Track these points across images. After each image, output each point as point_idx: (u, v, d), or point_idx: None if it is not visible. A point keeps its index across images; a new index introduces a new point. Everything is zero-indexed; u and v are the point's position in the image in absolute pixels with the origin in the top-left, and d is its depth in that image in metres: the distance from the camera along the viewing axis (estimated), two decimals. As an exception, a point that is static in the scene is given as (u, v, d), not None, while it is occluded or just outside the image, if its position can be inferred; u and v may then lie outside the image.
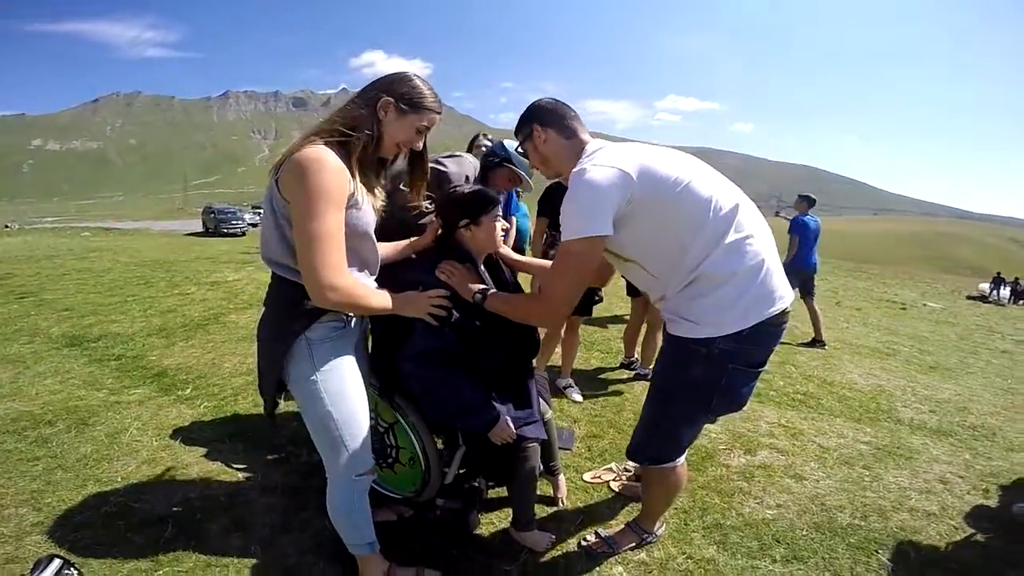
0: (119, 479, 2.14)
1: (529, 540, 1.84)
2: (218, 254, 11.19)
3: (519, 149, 1.70)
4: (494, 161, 2.18)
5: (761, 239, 1.46)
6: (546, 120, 1.56)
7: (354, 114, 1.30)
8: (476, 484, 1.90)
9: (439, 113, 1.37)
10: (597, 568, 1.79)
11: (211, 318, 4.92)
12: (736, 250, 1.41)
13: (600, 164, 1.40)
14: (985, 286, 17.64)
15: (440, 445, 1.85)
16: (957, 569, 1.86)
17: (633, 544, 1.89)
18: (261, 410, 2.75)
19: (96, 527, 1.84)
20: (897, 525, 2.11)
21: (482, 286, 1.58)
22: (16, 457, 2.29)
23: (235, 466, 2.29)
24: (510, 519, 1.90)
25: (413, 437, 1.74)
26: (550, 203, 3.07)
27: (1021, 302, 16.89)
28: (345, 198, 1.24)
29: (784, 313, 1.49)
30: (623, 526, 1.96)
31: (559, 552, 1.86)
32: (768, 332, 1.47)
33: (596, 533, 1.94)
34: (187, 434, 2.57)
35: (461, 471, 1.85)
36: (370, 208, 1.35)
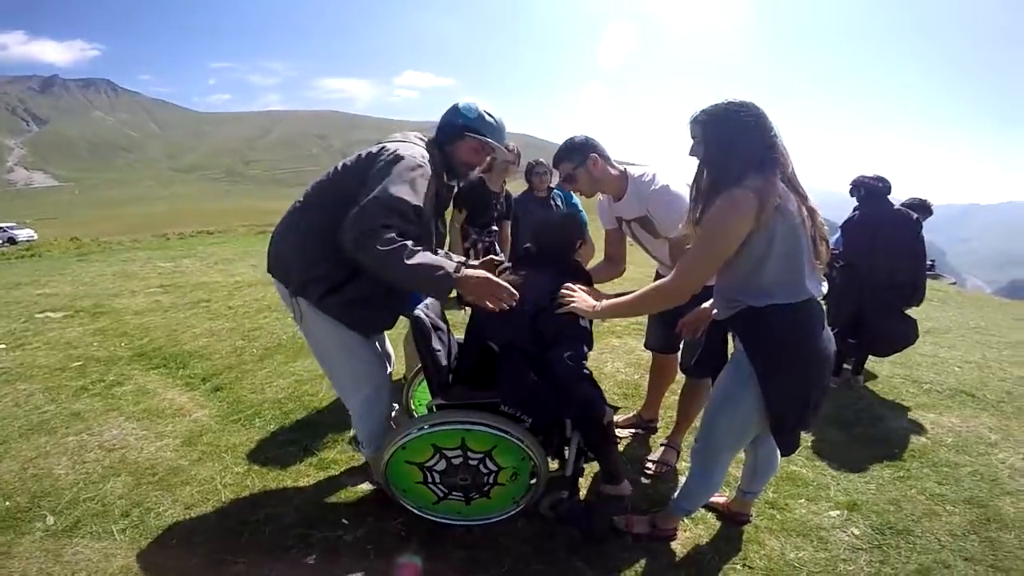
0: None
1: (622, 490, 2.04)
2: None
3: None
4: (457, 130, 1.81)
5: None
6: (601, 152, 1.96)
7: None
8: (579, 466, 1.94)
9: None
10: (669, 482, 2.21)
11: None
12: None
13: (672, 182, 1.96)
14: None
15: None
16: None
17: (675, 456, 2.34)
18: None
19: None
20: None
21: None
22: None
23: None
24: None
25: (526, 448, 1.68)
26: (469, 200, 3.27)
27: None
28: None
29: None
30: (663, 448, 2.36)
31: (641, 488, 2.17)
32: None
33: (651, 461, 2.30)
34: None
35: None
36: None
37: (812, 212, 1.40)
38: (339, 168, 1.72)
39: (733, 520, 1.93)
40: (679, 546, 1.83)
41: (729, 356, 1.76)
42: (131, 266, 8.13)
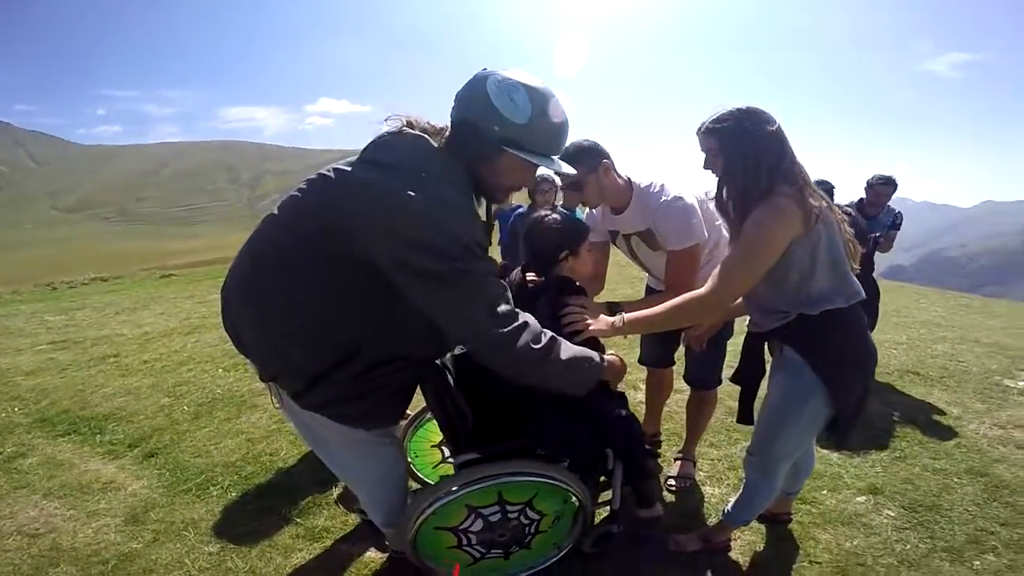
0: None
1: (656, 512, 1.90)
2: None
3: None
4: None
5: None
6: (610, 159, 1.76)
7: None
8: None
9: None
10: (695, 494, 2.13)
11: None
12: None
13: (685, 194, 1.79)
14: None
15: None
16: None
17: (693, 468, 2.26)
18: None
19: None
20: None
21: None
22: None
23: None
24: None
25: (570, 490, 1.49)
26: None
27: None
28: None
29: None
30: (679, 462, 2.26)
31: (671, 506, 2.07)
32: None
33: (672, 477, 2.20)
34: None
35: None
36: None
37: (842, 218, 1.41)
38: (308, 213, 1.16)
39: (776, 521, 1.89)
40: (739, 555, 1.76)
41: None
42: (12, 321, 6.92)
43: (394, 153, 1.14)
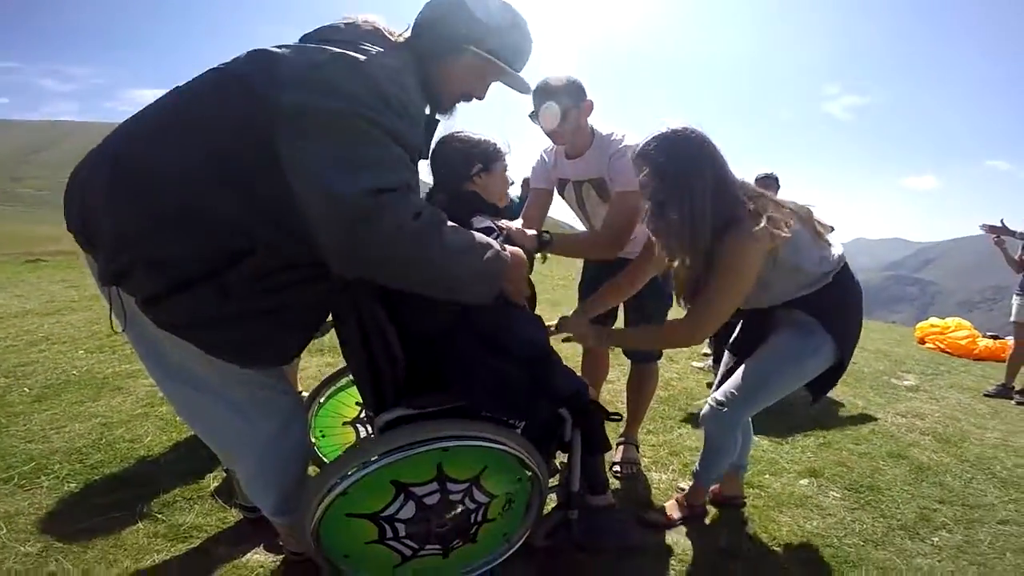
0: None
1: (608, 499, 1.72)
2: None
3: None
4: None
5: None
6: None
7: None
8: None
9: None
10: (641, 480, 2.00)
11: None
12: None
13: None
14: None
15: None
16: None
17: (636, 451, 2.12)
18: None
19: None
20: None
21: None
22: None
23: None
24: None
25: (529, 462, 1.23)
26: None
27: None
28: None
29: None
30: (622, 446, 2.11)
31: (617, 493, 1.88)
32: None
33: (615, 464, 2.03)
34: None
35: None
36: None
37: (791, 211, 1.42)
38: (227, 77, 0.95)
39: (731, 504, 1.81)
40: (706, 542, 1.64)
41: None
42: None
43: (345, 35, 1.03)
